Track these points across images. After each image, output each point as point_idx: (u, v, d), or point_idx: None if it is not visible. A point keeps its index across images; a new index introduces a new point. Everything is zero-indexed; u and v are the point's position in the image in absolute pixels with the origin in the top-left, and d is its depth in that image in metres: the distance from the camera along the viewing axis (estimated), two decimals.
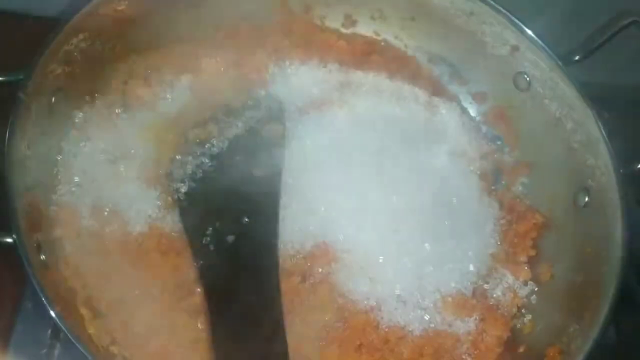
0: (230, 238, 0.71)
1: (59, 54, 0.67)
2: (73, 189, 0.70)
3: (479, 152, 0.85)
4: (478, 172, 0.83)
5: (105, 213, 0.70)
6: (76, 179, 0.70)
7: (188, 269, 0.69)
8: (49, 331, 0.69)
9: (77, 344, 0.53)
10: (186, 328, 0.66)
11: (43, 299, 0.54)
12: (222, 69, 0.82)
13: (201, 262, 0.69)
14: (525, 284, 0.77)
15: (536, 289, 0.76)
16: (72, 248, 0.67)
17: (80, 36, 0.69)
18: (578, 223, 0.76)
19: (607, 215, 0.71)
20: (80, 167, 0.71)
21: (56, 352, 0.69)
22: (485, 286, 0.76)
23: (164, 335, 0.65)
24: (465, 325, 0.72)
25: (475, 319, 0.73)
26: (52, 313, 0.54)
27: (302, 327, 0.67)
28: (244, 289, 0.68)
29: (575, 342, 0.66)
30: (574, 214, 0.77)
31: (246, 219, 0.73)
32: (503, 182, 0.85)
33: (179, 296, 0.67)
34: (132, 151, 0.74)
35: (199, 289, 0.67)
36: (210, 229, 0.71)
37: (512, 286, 0.76)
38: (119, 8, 0.72)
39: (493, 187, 0.84)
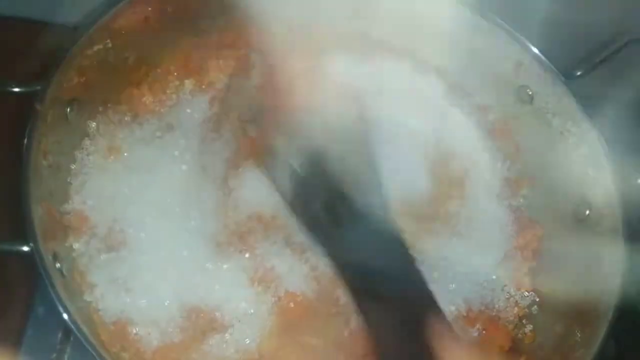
0: None
1: (75, 65, 0.68)
2: (85, 198, 0.71)
3: (481, 163, 0.87)
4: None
5: (114, 221, 0.71)
6: (88, 188, 0.72)
7: None
8: (60, 335, 0.70)
9: (92, 352, 0.54)
10: (197, 342, 0.67)
11: (59, 308, 0.55)
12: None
13: None
14: (527, 294, 0.78)
15: (537, 300, 0.78)
16: (85, 256, 0.68)
17: (96, 47, 0.71)
18: (579, 236, 0.77)
19: (608, 229, 0.73)
20: (93, 176, 0.72)
21: (66, 356, 0.69)
22: (487, 297, 0.77)
23: (175, 349, 0.66)
24: (468, 335, 0.74)
25: (478, 328, 0.74)
26: (70, 324, 0.56)
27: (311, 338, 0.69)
28: None
29: (576, 354, 0.67)
30: (575, 226, 0.78)
31: None
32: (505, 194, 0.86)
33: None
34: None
35: (206, 308, 0.68)
36: None
37: (513, 297, 0.78)
38: (138, 17, 0.73)
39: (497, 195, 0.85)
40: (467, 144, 0.87)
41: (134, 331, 0.66)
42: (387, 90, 0.85)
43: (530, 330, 0.76)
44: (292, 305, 0.71)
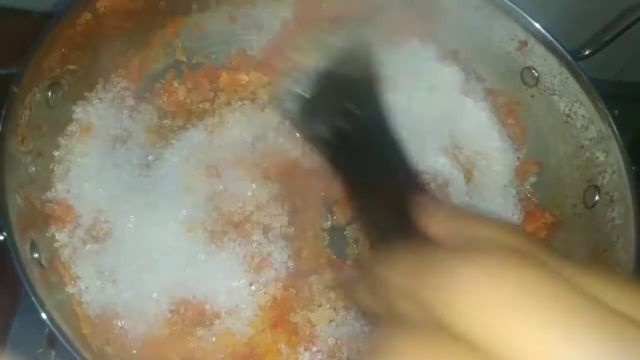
0: None
1: (55, 48, 0.65)
2: (70, 186, 0.68)
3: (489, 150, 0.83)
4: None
5: (101, 209, 0.68)
6: (73, 175, 0.68)
7: None
8: (46, 331, 0.67)
9: (67, 346, 0.51)
10: (185, 336, 0.64)
11: (33, 299, 0.52)
12: None
13: None
14: None
15: None
16: (68, 247, 0.65)
17: (77, 29, 0.68)
18: (588, 222, 0.74)
19: (619, 214, 0.69)
20: (78, 164, 0.69)
21: (53, 352, 0.67)
22: None
23: (162, 343, 0.64)
24: None
25: None
26: (44, 315, 0.53)
27: None
28: None
29: None
30: (584, 212, 0.75)
31: None
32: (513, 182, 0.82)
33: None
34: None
35: (194, 301, 0.66)
36: None
37: None
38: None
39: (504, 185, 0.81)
40: (477, 131, 0.83)
41: (119, 324, 0.63)
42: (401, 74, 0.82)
43: None
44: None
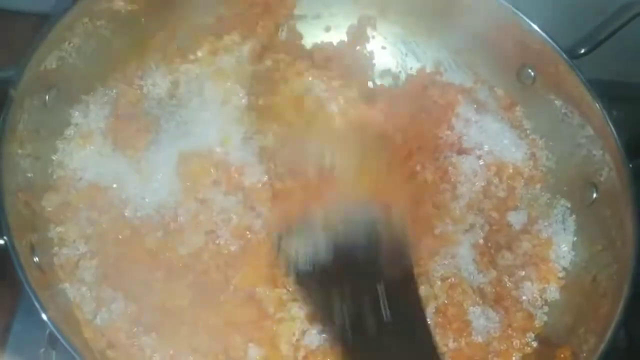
0: None
1: (52, 52, 0.65)
2: (68, 189, 0.68)
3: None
4: None
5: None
6: (71, 179, 0.68)
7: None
8: (47, 332, 0.66)
9: (70, 349, 0.51)
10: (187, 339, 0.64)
11: (35, 303, 0.52)
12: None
13: None
14: (547, 284, 0.74)
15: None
16: (67, 250, 0.65)
17: (75, 33, 0.68)
18: (587, 220, 0.74)
19: (617, 212, 0.70)
20: (76, 167, 0.69)
21: (53, 353, 0.66)
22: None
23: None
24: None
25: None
26: (44, 317, 0.53)
27: None
28: None
29: (587, 344, 0.64)
30: (583, 211, 0.75)
31: None
32: None
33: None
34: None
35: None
36: None
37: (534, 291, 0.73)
38: (113, 4, 0.70)
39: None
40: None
41: None
42: None
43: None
44: None
